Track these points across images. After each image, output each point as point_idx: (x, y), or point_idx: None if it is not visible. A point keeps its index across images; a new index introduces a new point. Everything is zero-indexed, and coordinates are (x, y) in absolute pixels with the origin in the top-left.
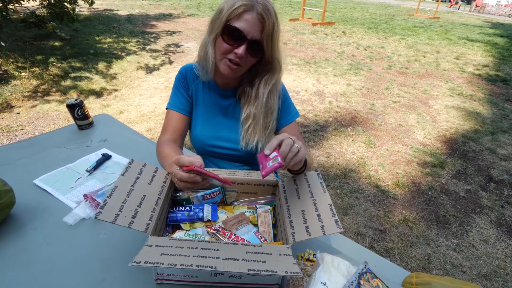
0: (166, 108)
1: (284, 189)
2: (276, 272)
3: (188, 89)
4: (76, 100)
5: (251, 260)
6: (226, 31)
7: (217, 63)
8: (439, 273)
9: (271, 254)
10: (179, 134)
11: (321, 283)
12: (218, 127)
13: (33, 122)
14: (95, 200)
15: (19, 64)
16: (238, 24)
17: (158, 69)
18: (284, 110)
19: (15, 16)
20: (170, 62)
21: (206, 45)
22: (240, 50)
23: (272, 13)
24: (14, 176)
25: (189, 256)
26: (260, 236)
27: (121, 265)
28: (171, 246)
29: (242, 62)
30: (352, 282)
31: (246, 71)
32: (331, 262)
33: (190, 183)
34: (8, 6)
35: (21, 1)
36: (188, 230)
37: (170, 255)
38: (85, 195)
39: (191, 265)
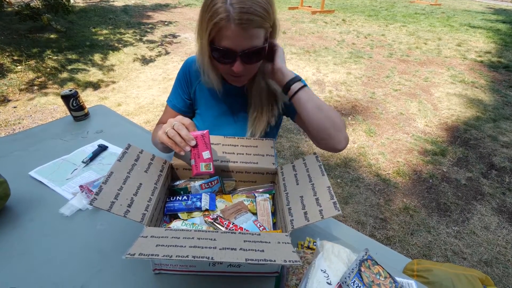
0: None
1: (283, 176)
2: (274, 261)
3: (191, 86)
4: (70, 91)
5: (249, 249)
6: (214, 54)
7: (224, 76)
8: (440, 260)
9: (269, 242)
10: None
11: (321, 270)
12: (225, 126)
13: (31, 115)
14: (91, 191)
15: (15, 57)
16: (222, 43)
17: (155, 60)
18: None
19: (9, 9)
20: (167, 53)
21: (203, 66)
22: (236, 67)
23: (253, 12)
24: (10, 168)
25: (185, 246)
26: (259, 225)
27: (119, 255)
28: (167, 237)
29: (246, 71)
30: (353, 269)
31: None
32: (331, 250)
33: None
34: None
35: None
36: (186, 220)
37: (166, 246)
38: (81, 186)
39: (187, 256)
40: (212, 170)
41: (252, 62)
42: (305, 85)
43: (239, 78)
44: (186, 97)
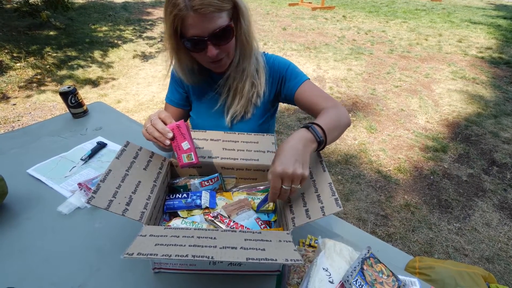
0: (165, 100)
1: None
2: (276, 260)
3: (183, 82)
4: (69, 87)
5: (250, 248)
6: (185, 44)
7: (205, 66)
8: (442, 257)
9: (270, 241)
10: None
11: (323, 269)
12: (219, 115)
13: (30, 113)
14: (90, 188)
15: (14, 55)
16: (189, 33)
17: (155, 56)
18: (288, 78)
19: (8, 6)
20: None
21: (176, 62)
22: (210, 51)
23: None
24: (7, 166)
25: (184, 245)
26: (261, 223)
27: (117, 254)
28: (166, 236)
29: (224, 53)
30: (355, 267)
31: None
32: (333, 248)
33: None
34: None
35: None
36: (186, 218)
37: (165, 245)
38: (79, 184)
39: (186, 256)
40: (194, 160)
41: (223, 42)
42: (310, 127)
43: (219, 63)
44: (182, 90)
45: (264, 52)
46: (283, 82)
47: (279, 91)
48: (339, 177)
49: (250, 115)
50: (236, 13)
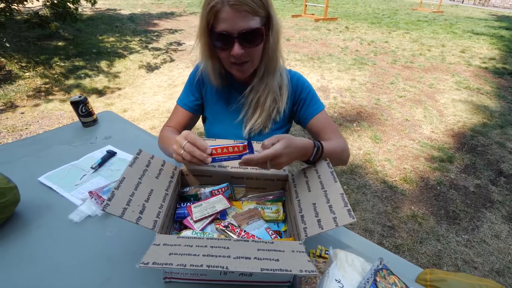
0: (176, 103)
1: (294, 183)
2: (290, 271)
3: (203, 86)
4: (80, 97)
5: (264, 259)
6: (213, 39)
7: (227, 69)
8: (451, 270)
9: (283, 251)
10: (182, 129)
11: (336, 280)
12: (238, 126)
13: (38, 121)
14: (101, 197)
15: (23, 64)
16: (219, 27)
17: (161, 67)
18: (308, 103)
19: (18, 17)
20: (172, 60)
21: (207, 59)
22: (235, 50)
23: None
24: (19, 174)
25: (198, 255)
26: (271, 233)
27: (128, 263)
28: (180, 245)
29: (248, 57)
30: (368, 279)
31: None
32: (345, 259)
33: (193, 158)
34: (11, 7)
35: (24, 2)
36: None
37: (179, 254)
38: (90, 192)
39: (201, 266)
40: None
41: (251, 44)
42: (318, 147)
43: (242, 67)
44: (198, 95)
45: (287, 68)
46: (302, 105)
47: (295, 112)
48: (344, 187)
49: (268, 130)
50: (268, 24)
